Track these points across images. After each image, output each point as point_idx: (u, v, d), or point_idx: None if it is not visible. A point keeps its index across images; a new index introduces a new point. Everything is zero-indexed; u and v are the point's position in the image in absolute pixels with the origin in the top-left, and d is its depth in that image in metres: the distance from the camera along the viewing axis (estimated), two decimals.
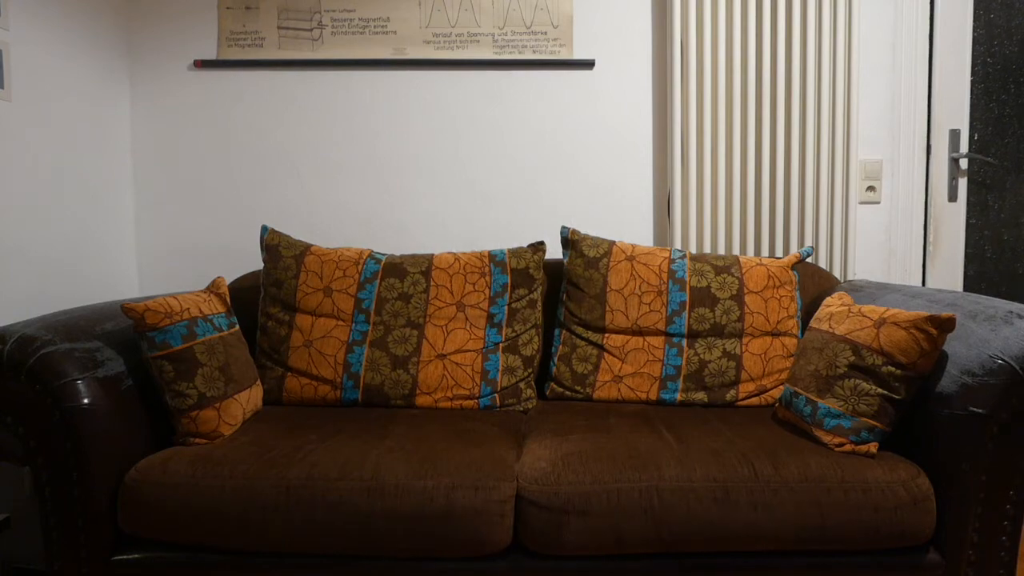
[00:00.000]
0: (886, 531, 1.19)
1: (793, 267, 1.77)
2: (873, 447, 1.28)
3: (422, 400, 1.66)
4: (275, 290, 1.77)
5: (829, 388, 1.36)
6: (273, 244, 1.81)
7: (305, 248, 1.81)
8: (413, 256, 1.82)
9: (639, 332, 1.72)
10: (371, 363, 1.68)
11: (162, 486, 1.23)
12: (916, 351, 1.27)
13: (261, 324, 1.76)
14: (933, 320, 1.26)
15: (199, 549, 1.24)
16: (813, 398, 1.38)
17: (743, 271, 1.74)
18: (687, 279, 1.74)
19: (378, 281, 1.76)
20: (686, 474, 1.22)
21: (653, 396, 1.68)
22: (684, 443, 1.33)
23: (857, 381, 1.32)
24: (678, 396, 1.67)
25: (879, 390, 1.29)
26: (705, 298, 1.72)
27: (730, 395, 1.67)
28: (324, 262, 1.78)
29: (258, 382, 1.64)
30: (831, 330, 1.43)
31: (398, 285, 1.75)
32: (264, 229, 1.84)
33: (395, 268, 1.78)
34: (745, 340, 1.70)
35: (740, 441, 1.34)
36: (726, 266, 1.75)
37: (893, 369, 1.28)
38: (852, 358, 1.34)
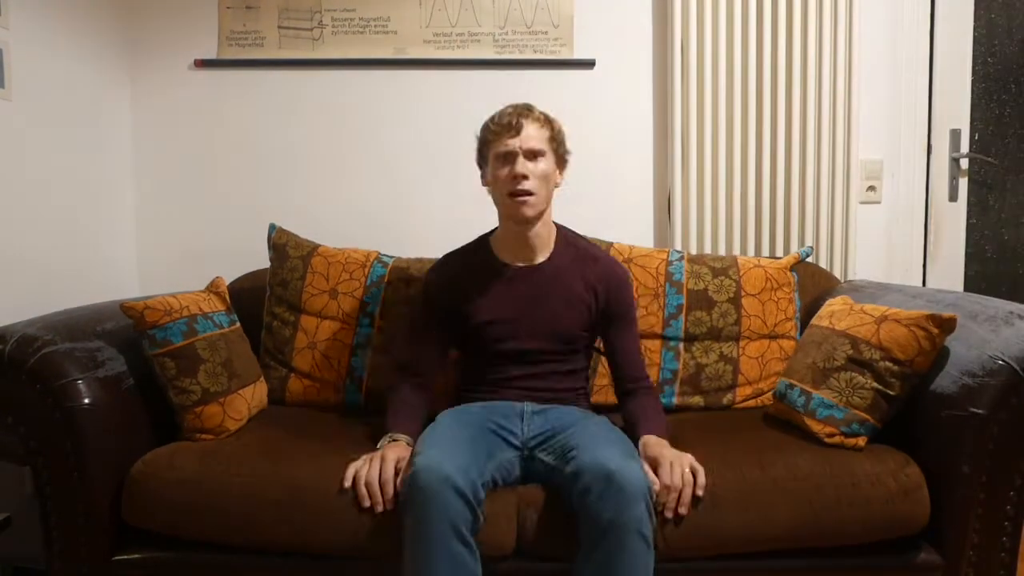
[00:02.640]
0: (879, 523, 1.19)
1: (792, 268, 1.77)
2: (861, 441, 1.28)
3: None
4: (281, 290, 1.76)
5: (824, 380, 1.36)
6: (280, 243, 1.81)
7: (312, 248, 1.80)
8: (420, 260, 1.80)
9: None
10: (374, 368, 1.67)
11: (168, 480, 1.23)
12: (915, 348, 1.27)
13: (266, 323, 1.76)
14: (934, 319, 1.26)
15: (202, 546, 1.24)
16: (808, 389, 1.38)
17: (741, 273, 1.74)
18: (684, 282, 1.73)
19: (384, 285, 1.75)
20: None
21: None
22: (680, 446, 1.33)
23: (853, 374, 1.32)
24: (675, 400, 1.67)
25: (874, 384, 1.29)
26: (702, 301, 1.71)
27: (727, 399, 1.67)
28: (331, 264, 1.77)
29: (262, 379, 1.64)
30: (831, 326, 1.43)
31: (404, 290, 1.74)
32: (272, 227, 1.84)
33: (402, 272, 1.76)
34: (742, 343, 1.70)
35: (733, 443, 1.34)
36: (723, 268, 1.75)
37: (890, 365, 1.28)
38: (850, 351, 1.34)
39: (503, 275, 1.44)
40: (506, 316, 1.41)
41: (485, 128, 1.40)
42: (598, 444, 1.18)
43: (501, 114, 1.38)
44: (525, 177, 1.33)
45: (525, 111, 1.37)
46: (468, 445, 1.19)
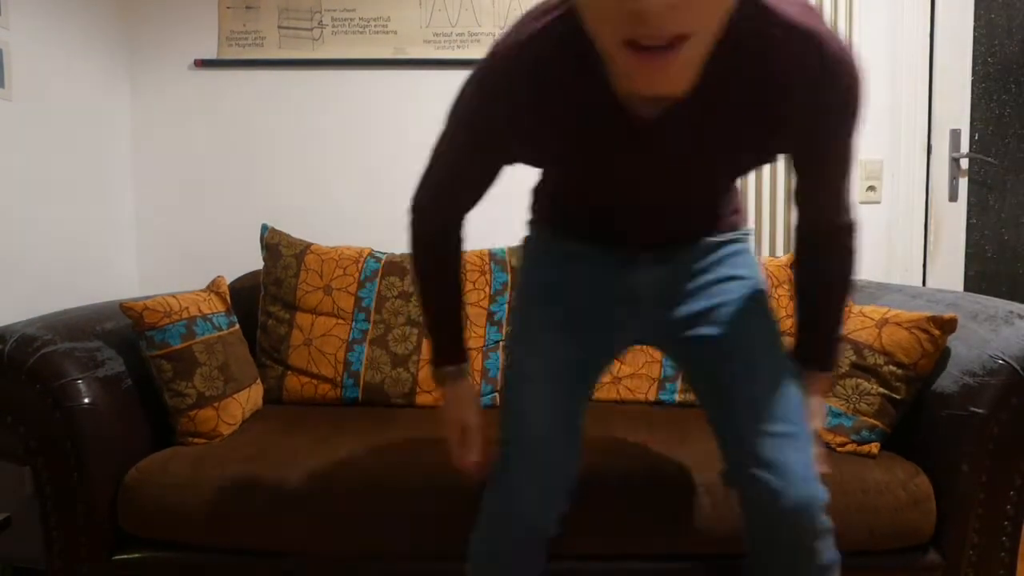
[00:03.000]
0: (886, 532, 1.19)
1: (791, 265, 1.76)
2: (875, 448, 1.28)
3: (422, 399, 1.66)
4: (275, 288, 1.77)
5: (831, 387, 1.36)
6: (273, 243, 1.81)
7: (305, 247, 1.81)
8: None
9: None
10: (371, 361, 1.68)
11: (163, 486, 1.23)
12: (918, 351, 1.27)
13: (261, 323, 1.76)
14: (935, 321, 1.26)
15: (200, 549, 1.24)
16: None
17: None
18: None
19: (378, 279, 1.76)
20: (685, 476, 1.22)
21: (652, 397, 1.67)
22: (685, 445, 1.33)
23: (858, 380, 1.32)
24: (676, 397, 1.67)
25: (880, 389, 1.29)
26: None
27: None
28: (324, 260, 1.78)
29: (258, 381, 1.64)
30: None
31: (398, 283, 1.75)
32: (264, 228, 1.84)
33: (395, 267, 1.78)
34: None
35: None
36: None
37: (894, 369, 1.28)
38: (853, 357, 1.34)
39: (621, 123, 0.78)
40: (612, 179, 0.86)
41: None
42: (780, 440, 0.86)
43: None
44: (661, 12, 0.57)
45: None
46: (560, 420, 0.93)
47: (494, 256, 1.80)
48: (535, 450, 0.92)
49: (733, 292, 0.96)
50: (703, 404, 0.97)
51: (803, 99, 0.74)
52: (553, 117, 0.79)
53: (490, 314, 1.74)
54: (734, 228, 1.02)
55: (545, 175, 1.01)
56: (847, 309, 1.00)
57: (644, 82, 0.63)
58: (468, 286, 1.75)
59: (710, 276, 0.97)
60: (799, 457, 0.85)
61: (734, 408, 0.89)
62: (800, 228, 1.02)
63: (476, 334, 1.71)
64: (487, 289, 1.75)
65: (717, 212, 0.99)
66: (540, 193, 1.04)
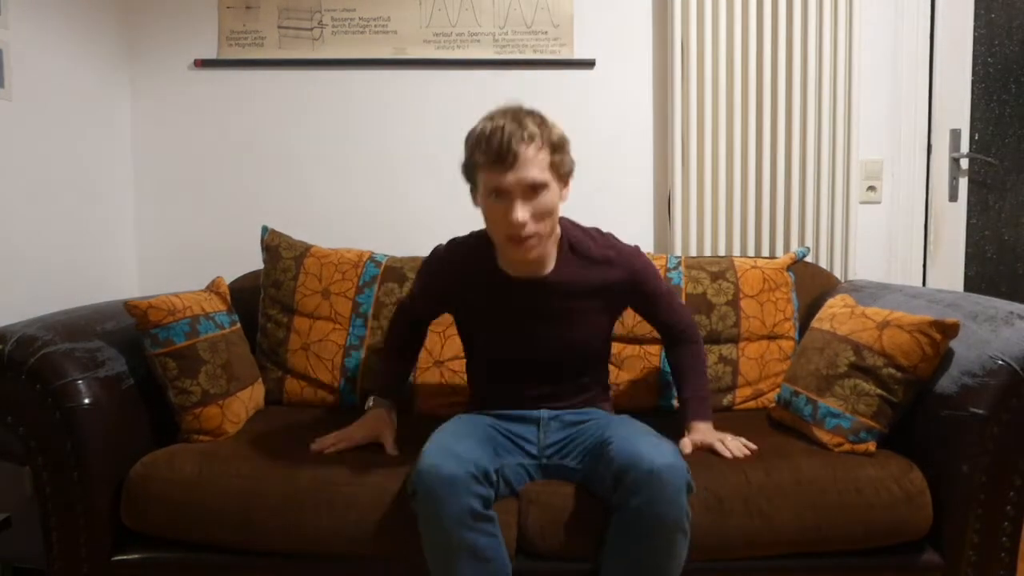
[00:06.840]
0: (882, 528, 1.19)
1: (789, 268, 1.76)
2: (871, 446, 1.28)
3: (420, 405, 1.65)
4: (274, 291, 1.76)
5: (829, 387, 1.35)
6: (273, 245, 1.81)
7: (305, 249, 1.81)
8: (413, 259, 1.80)
9: (636, 340, 1.70)
10: (368, 368, 1.67)
11: (168, 481, 1.23)
12: (918, 355, 1.26)
13: (261, 325, 1.76)
14: (937, 325, 1.25)
15: (201, 548, 1.24)
16: (813, 397, 1.38)
17: (738, 275, 1.73)
18: (683, 286, 1.72)
19: (377, 285, 1.75)
20: None
21: (651, 404, 1.67)
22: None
23: (857, 381, 1.32)
24: (675, 402, 1.66)
25: (878, 391, 1.29)
26: (701, 305, 1.70)
27: (727, 400, 1.66)
28: (323, 264, 1.77)
29: (259, 380, 1.64)
30: (832, 330, 1.43)
31: (396, 290, 1.74)
32: (264, 229, 1.84)
33: (394, 272, 1.76)
34: (741, 345, 1.69)
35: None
36: (721, 271, 1.74)
37: (894, 371, 1.28)
38: (853, 358, 1.34)
39: (506, 288, 1.28)
40: (509, 330, 1.30)
41: (471, 147, 1.15)
42: (634, 439, 1.14)
43: (490, 134, 1.11)
44: (524, 224, 1.12)
45: (517, 131, 1.10)
46: (471, 440, 1.17)
47: None
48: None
49: (600, 421, 1.32)
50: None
51: (619, 278, 1.31)
52: (465, 279, 1.32)
53: None
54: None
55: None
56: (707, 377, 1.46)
57: (519, 256, 1.18)
58: None
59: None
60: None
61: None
62: (663, 338, 1.48)
63: None
64: None
65: (591, 397, 1.40)
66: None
